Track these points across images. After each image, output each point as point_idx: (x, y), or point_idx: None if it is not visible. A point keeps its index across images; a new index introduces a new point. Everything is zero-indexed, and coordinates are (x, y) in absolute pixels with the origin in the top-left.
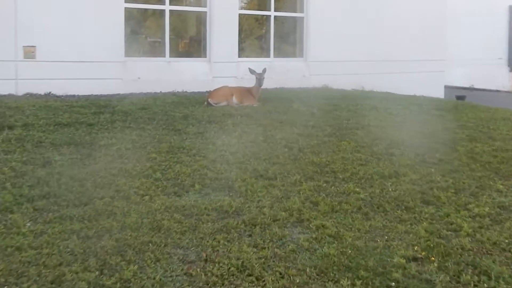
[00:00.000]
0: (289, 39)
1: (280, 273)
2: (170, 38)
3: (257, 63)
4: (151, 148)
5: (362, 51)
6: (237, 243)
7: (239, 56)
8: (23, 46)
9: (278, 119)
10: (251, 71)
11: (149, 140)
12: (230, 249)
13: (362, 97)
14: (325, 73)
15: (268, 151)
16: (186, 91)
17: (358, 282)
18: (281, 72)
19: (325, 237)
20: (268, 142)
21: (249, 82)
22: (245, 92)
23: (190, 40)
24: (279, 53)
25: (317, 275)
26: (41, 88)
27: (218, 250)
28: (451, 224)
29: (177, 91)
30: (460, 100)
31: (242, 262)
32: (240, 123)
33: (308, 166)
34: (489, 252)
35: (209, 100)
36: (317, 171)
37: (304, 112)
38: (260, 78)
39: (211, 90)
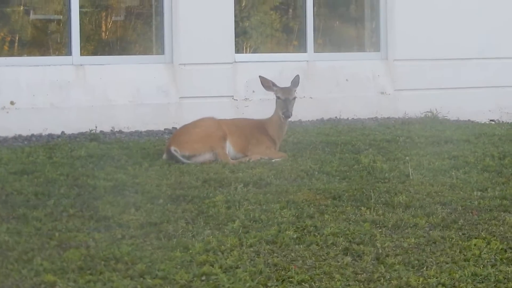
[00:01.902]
0: (348, 13)
1: None
2: (81, 13)
3: (279, 65)
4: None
5: None
6: None
7: (237, 51)
8: None
9: (330, 190)
10: (266, 85)
11: (31, 243)
12: None
13: None
14: (429, 86)
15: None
16: (120, 131)
17: None
18: (331, 85)
19: None
20: (310, 243)
21: (262, 109)
22: (253, 130)
23: (128, 18)
24: (327, 44)
25: None
26: None
27: None
28: None
29: (101, 131)
30: None
31: None
32: (244, 203)
33: None
34: None
35: (172, 149)
36: None
37: (383, 173)
38: (285, 99)
39: (177, 128)
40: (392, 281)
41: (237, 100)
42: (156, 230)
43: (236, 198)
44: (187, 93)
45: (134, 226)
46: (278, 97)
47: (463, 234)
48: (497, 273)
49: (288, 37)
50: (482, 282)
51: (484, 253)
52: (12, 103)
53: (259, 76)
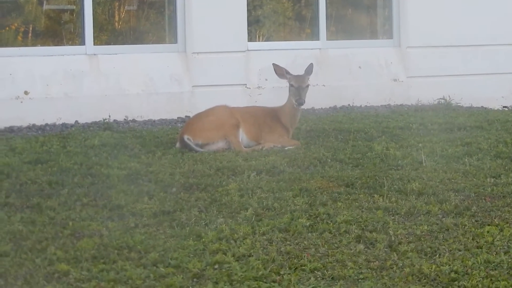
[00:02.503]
0: (360, 1)
1: None
2: (94, 2)
3: (292, 53)
4: None
5: None
6: None
7: (250, 40)
8: None
9: (343, 177)
10: (280, 73)
11: None
12: None
13: None
14: (442, 73)
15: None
16: (133, 120)
17: None
18: (344, 73)
19: None
20: (323, 230)
21: (275, 97)
22: (266, 118)
23: (140, 7)
24: (340, 32)
25: None
26: None
27: None
28: None
29: (114, 121)
30: None
31: None
32: (257, 191)
33: None
34: None
35: (185, 138)
36: None
37: (396, 161)
38: (299, 87)
39: (190, 117)
40: (405, 269)
41: (250, 88)
42: (169, 219)
43: (249, 186)
44: (200, 81)
45: (147, 215)
46: (291, 85)
47: (476, 221)
48: (510, 260)
49: (300, 25)
50: (495, 269)
51: (497, 240)
52: (26, 93)
53: (273, 64)
